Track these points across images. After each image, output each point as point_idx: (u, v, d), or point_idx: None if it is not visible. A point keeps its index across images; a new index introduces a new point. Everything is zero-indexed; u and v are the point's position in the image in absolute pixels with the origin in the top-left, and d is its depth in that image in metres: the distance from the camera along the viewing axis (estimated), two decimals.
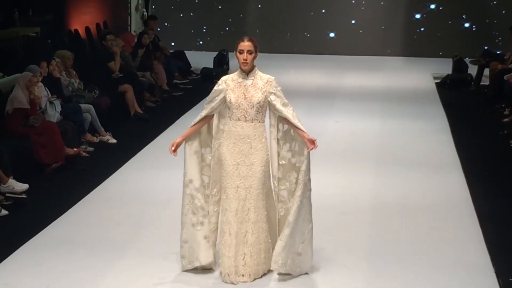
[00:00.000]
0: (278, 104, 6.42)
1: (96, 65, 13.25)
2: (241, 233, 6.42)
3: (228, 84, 6.47)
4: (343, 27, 21.64)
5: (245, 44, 6.41)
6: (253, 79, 6.45)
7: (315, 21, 21.73)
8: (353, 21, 21.54)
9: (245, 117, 6.42)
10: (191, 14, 21.91)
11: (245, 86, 6.43)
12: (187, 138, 6.62)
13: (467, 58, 17.75)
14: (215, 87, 6.51)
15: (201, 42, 21.85)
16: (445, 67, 18.09)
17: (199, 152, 6.62)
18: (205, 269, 6.71)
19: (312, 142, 6.39)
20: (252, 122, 6.43)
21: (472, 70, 16.85)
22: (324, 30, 21.72)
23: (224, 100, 6.47)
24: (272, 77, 6.51)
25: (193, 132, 6.60)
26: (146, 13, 19.98)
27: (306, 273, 6.64)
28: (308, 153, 6.45)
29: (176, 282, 6.58)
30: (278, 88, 6.47)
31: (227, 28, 21.92)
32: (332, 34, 21.69)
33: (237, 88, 6.43)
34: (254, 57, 6.45)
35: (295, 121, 6.39)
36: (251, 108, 6.41)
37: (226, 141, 6.47)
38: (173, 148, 6.59)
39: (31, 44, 15.32)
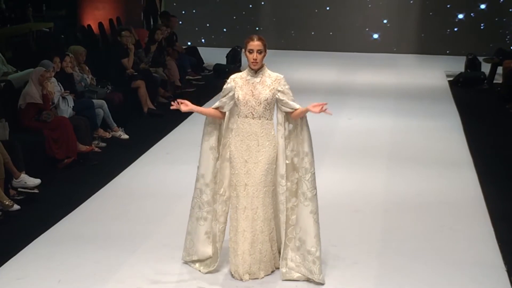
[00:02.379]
0: (285, 100, 6.41)
1: (109, 61, 13.28)
2: (250, 231, 6.43)
3: (236, 82, 6.47)
4: (354, 24, 21.62)
5: (255, 44, 6.39)
6: (261, 77, 6.45)
7: (324, 18, 21.74)
8: (385, 21, 21.50)
9: (253, 114, 6.43)
10: (194, 11, 21.93)
11: (253, 83, 6.43)
12: (207, 122, 6.63)
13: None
14: (225, 86, 6.53)
15: (203, 40, 21.81)
16: (458, 65, 18.04)
17: (215, 148, 6.61)
18: (203, 264, 6.73)
19: (319, 105, 6.38)
20: (260, 119, 6.43)
21: (485, 68, 16.79)
22: (337, 28, 21.71)
23: (233, 97, 6.48)
24: (280, 75, 6.51)
25: (206, 113, 6.60)
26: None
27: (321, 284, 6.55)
28: (310, 150, 6.45)
29: (187, 277, 6.60)
30: (287, 87, 6.47)
31: (231, 25, 22.01)
32: (375, 36, 21.64)
33: (245, 86, 6.43)
34: (264, 56, 6.44)
35: (301, 107, 6.41)
36: (258, 105, 6.40)
37: (234, 139, 6.48)
38: (182, 104, 6.55)
39: (45, 40, 15.38)
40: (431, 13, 21.31)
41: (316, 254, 6.44)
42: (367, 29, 21.62)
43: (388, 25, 21.52)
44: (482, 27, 21.14)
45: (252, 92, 6.41)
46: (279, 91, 6.42)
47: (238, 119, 6.47)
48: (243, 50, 6.52)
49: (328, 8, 21.71)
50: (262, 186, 6.41)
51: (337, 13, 21.67)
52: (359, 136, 11.89)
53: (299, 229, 6.49)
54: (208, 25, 22.18)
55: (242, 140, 6.45)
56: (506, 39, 20.62)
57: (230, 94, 6.47)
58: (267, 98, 6.39)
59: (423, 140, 11.69)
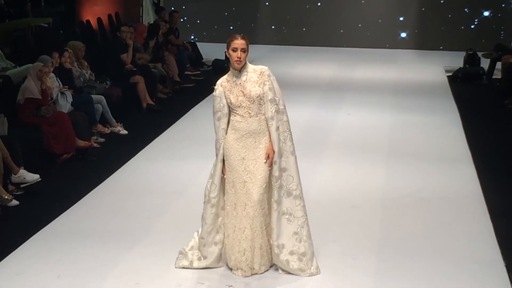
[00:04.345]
0: (267, 98, 6.37)
1: (108, 56, 13.27)
2: (250, 228, 6.42)
3: (224, 86, 6.41)
4: (356, 20, 21.63)
5: (239, 42, 6.33)
6: (246, 74, 6.40)
7: (323, 14, 21.75)
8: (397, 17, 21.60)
9: (249, 113, 6.39)
10: (183, 7, 21.92)
11: (240, 83, 6.38)
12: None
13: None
14: (214, 93, 6.44)
15: (193, 37, 21.75)
16: (457, 60, 18.03)
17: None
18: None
19: (267, 155, 6.37)
20: (257, 116, 6.40)
21: (484, 63, 16.79)
22: (335, 23, 21.72)
23: (226, 103, 6.42)
24: (265, 67, 6.45)
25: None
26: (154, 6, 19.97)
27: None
28: (277, 159, 6.39)
29: (185, 273, 6.58)
30: (272, 78, 6.40)
31: (223, 22, 22.05)
32: (403, 35, 21.61)
33: (234, 88, 6.38)
34: (247, 55, 6.38)
35: (272, 127, 6.35)
36: (252, 104, 6.37)
37: (230, 136, 6.44)
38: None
39: (43, 35, 15.34)
40: (423, 9, 21.35)
41: (300, 251, 6.47)
42: (360, 25, 21.65)
43: (380, 20, 21.53)
44: (476, 22, 21.17)
45: (243, 92, 6.36)
46: (265, 84, 6.35)
47: (234, 118, 6.43)
48: (226, 49, 6.42)
49: (319, 4, 21.74)
50: (262, 182, 6.39)
51: (337, 9, 21.68)
52: (358, 132, 11.88)
53: (276, 236, 6.47)
54: (198, 21, 22.21)
55: (239, 138, 6.41)
56: (501, 35, 20.64)
57: (224, 101, 6.40)
58: (259, 94, 6.36)
59: (422, 136, 11.68)
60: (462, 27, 21.13)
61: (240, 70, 6.39)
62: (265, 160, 6.38)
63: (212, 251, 6.61)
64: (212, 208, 6.54)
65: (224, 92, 6.40)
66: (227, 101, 6.40)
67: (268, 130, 6.40)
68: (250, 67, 6.44)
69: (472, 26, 21.15)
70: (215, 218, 6.55)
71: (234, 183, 6.43)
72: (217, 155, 6.49)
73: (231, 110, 6.43)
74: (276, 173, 6.38)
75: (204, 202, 6.59)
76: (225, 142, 6.45)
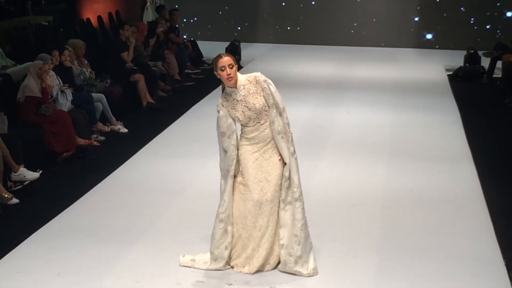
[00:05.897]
0: (269, 103, 6.36)
1: (109, 55, 13.27)
2: (266, 226, 6.44)
3: (226, 106, 6.39)
4: (355, 18, 21.63)
5: (224, 60, 6.32)
6: (243, 87, 6.38)
7: (325, 12, 21.74)
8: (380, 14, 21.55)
9: (259, 122, 6.40)
10: (176, 6, 21.90)
11: (241, 99, 6.36)
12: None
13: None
14: (218, 115, 6.40)
15: (186, 36, 21.74)
16: (457, 59, 18.02)
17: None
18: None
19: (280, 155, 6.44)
20: (267, 122, 6.41)
21: (485, 62, 16.79)
22: (332, 22, 21.71)
23: (231, 122, 6.41)
24: (257, 73, 6.42)
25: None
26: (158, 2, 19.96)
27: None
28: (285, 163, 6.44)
29: (186, 270, 6.59)
30: (267, 82, 6.38)
31: (219, 20, 22.07)
32: (429, 36, 21.57)
33: (236, 105, 6.36)
34: (236, 70, 6.36)
35: (275, 132, 6.36)
36: (259, 114, 6.36)
37: (242, 141, 6.47)
38: None
39: (43, 33, 15.35)
40: (418, 8, 21.35)
41: (298, 253, 6.47)
42: (355, 24, 21.65)
43: (374, 19, 21.54)
44: (472, 22, 21.16)
45: (247, 107, 6.35)
46: (264, 90, 6.35)
47: (247, 128, 6.43)
48: (214, 71, 6.40)
49: (313, 3, 21.73)
50: (277, 180, 6.41)
51: (335, 8, 21.69)
52: (358, 131, 11.87)
53: (282, 234, 6.51)
54: (192, 21, 22.21)
55: (253, 143, 6.43)
56: (497, 34, 20.64)
57: (229, 120, 6.39)
58: (262, 104, 6.35)
59: (422, 135, 11.67)
60: (466, 26, 21.11)
61: (237, 86, 6.38)
62: (279, 157, 6.40)
63: (221, 266, 6.63)
64: (221, 224, 6.53)
65: (228, 111, 6.39)
66: (233, 119, 6.41)
67: (272, 134, 6.41)
68: (244, 79, 6.41)
69: (488, 27, 21.06)
70: (223, 234, 6.55)
71: (248, 183, 6.44)
72: (227, 172, 6.47)
73: (241, 124, 6.45)
74: (286, 173, 6.40)
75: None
76: (239, 149, 6.47)
